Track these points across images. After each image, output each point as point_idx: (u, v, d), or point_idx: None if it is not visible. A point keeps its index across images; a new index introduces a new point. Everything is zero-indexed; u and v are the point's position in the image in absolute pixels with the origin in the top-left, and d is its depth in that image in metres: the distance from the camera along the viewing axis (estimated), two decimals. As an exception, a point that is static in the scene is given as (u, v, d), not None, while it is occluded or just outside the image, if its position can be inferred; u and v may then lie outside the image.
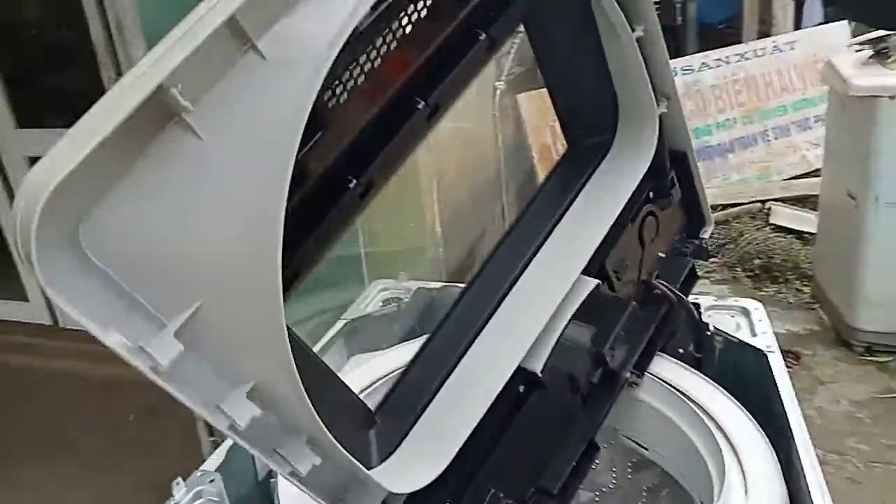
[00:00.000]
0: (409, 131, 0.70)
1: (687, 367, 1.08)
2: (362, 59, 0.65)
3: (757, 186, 3.79)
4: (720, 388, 1.03)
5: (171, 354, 0.52)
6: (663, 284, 1.08)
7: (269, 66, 0.53)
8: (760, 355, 1.06)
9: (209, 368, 0.56)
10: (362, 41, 0.65)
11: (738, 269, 3.08)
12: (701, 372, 1.12)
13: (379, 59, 0.66)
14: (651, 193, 1.05)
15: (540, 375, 0.88)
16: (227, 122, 0.52)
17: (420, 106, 0.70)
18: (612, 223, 0.96)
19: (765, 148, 3.95)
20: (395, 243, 2.50)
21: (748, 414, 0.98)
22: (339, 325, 1.23)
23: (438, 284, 1.34)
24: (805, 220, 3.22)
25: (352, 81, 0.65)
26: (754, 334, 1.11)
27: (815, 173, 3.54)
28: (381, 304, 1.28)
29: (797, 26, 5.13)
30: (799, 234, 3.18)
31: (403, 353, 1.13)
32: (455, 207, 2.79)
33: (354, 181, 0.67)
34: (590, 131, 1.03)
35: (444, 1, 0.71)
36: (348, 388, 0.77)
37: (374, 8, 0.62)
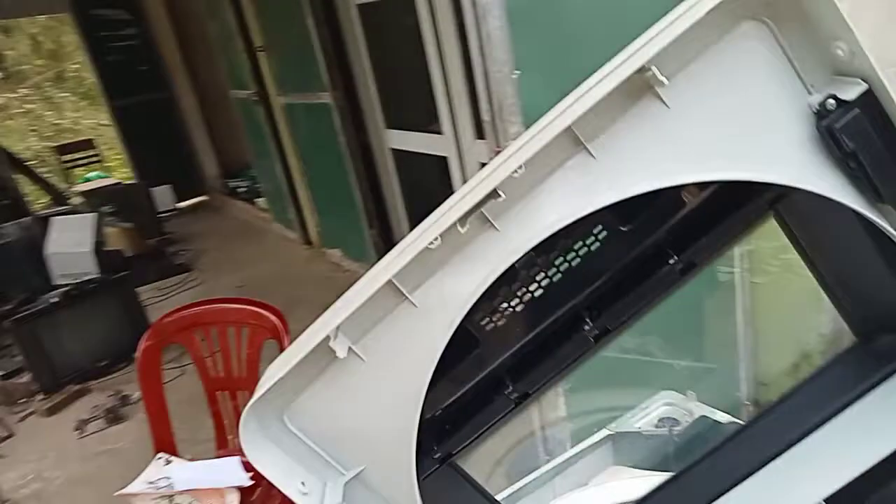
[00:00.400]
0: (570, 349, 0.74)
1: None
2: (520, 291, 0.72)
3: None
4: None
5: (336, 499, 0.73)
6: None
7: (417, 313, 0.68)
8: None
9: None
10: (519, 278, 0.72)
11: None
12: None
13: (540, 290, 0.72)
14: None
15: None
16: (382, 352, 0.69)
17: (587, 327, 0.74)
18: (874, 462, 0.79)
19: None
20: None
21: None
22: (604, 433, 1.27)
23: (725, 417, 1.25)
24: None
25: (510, 309, 0.73)
26: None
27: None
28: (657, 420, 1.27)
29: None
30: None
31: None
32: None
33: (510, 387, 0.75)
34: (889, 329, 0.84)
35: (618, 231, 0.71)
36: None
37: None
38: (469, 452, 0.81)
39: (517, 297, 0.73)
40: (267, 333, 2.17)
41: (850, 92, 0.64)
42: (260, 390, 0.68)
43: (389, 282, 0.66)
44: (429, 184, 4.87)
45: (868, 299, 0.83)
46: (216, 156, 8.37)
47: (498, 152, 1.88)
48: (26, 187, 7.04)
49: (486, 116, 1.85)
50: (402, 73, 4.56)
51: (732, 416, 1.25)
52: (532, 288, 0.73)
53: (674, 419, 1.27)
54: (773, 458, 0.85)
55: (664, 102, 0.64)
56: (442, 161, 4.10)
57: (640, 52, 0.61)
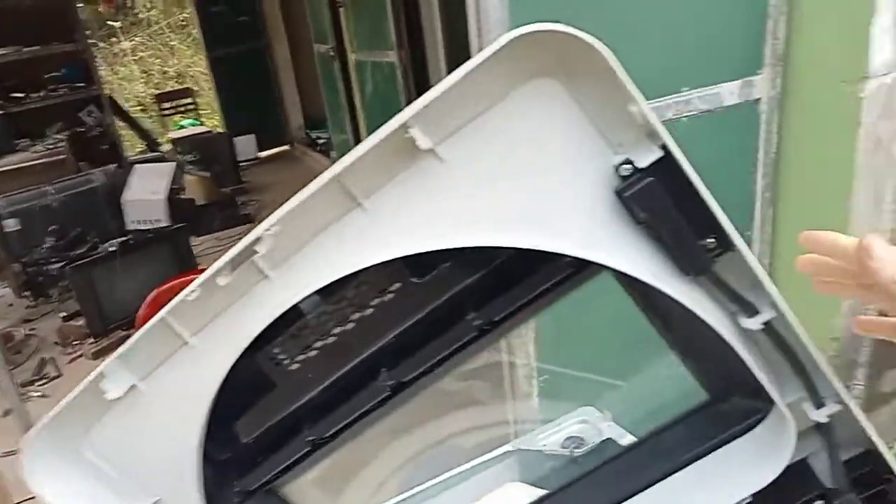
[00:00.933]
0: (366, 397, 0.73)
1: None
2: (311, 338, 0.71)
3: None
4: None
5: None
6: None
7: (195, 354, 0.68)
8: None
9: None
10: (311, 325, 0.71)
11: None
12: None
13: (333, 338, 0.71)
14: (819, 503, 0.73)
15: None
16: (164, 390, 0.70)
17: (381, 379, 0.72)
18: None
19: None
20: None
21: None
22: (507, 447, 1.24)
23: (631, 440, 1.19)
24: None
25: (303, 354, 0.72)
26: None
27: None
28: (564, 439, 1.22)
29: None
30: None
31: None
32: None
33: (306, 431, 0.75)
34: (739, 393, 0.77)
35: (411, 283, 0.68)
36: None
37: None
38: (297, 479, 0.82)
39: (308, 344, 0.72)
40: None
41: (646, 158, 0.58)
42: (46, 418, 0.71)
43: (163, 321, 0.66)
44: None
45: (714, 363, 0.77)
46: (302, 107, 8.58)
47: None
48: (125, 133, 7.50)
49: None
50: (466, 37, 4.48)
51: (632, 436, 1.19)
52: (323, 335, 0.72)
53: (580, 438, 1.23)
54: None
55: (442, 160, 0.60)
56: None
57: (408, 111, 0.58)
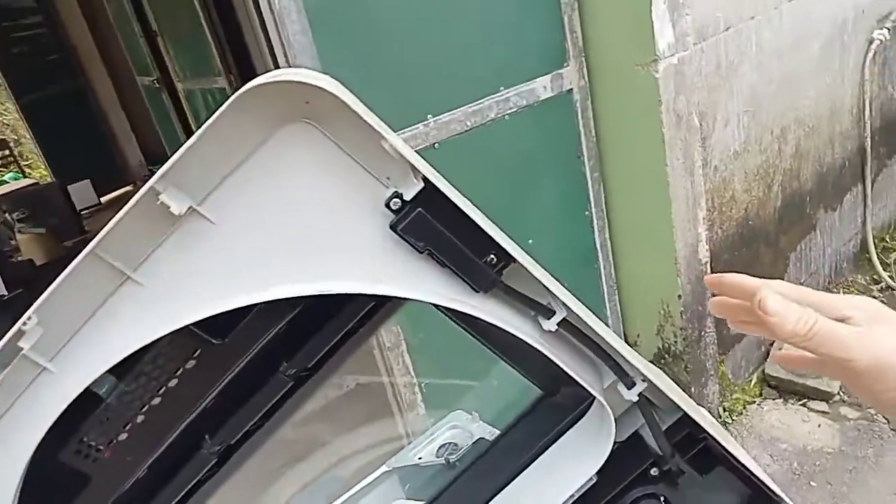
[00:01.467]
0: (191, 471, 0.69)
1: None
2: (117, 420, 0.67)
3: None
4: None
5: None
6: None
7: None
8: None
9: None
10: (112, 409, 0.66)
11: None
12: None
13: (141, 416, 0.67)
14: (654, 470, 0.78)
15: None
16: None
17: (204, 446, 0.69)
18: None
19: None
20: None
21: None
22: (383, 469, 1.24)
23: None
24: None
25: (112, 441, 0.67)
26: None
27: None
28: (438, 448, 1.24)
29: None
30: None
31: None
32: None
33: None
34: (566, 383, 0.81)
35: (212, 346, 0.65)
36: None
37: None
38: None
39: (117, 427, 0.67)
40: None
41: (410, 190, 0.58)
42: None
43: None
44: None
45: (533, 363, 0.80)
46: (139, 143, 8.08)
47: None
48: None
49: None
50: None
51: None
52: (131, 415, 0.67)
53: (454, 444, 1.25)
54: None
55: (208, 220, 0.58)
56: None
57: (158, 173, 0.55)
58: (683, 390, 0.74)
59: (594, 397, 0.78)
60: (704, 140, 2.28)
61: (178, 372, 0.66)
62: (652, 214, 2.25)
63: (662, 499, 0.79)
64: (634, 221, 2.35)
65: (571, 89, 2.16)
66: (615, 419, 0.75)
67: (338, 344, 0.68)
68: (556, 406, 0.82)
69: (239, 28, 4.57)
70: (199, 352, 0.66)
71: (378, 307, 0.69)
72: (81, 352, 0.60)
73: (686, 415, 0.76)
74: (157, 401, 0.67)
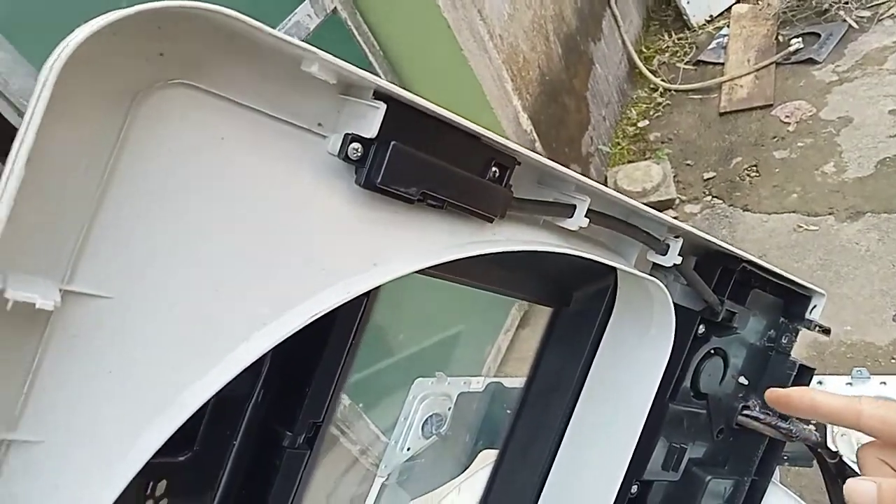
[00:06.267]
0: None
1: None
2: None
3: None
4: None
5: None
6: (754, 417, 0.75)
7: None
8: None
9: None
10: None
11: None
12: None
13: None
14: (701, 329, 0.69)
15: None
16: None
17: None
18: (642, 421, 0.66)
19: None
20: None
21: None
22: (378, 483, 1.07)
23: (480, 383, 1.10)
24: None
25: None
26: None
27: None
28: (421, 427, 1.08)
29: None
30: None
31: (464, 492, 0.97)
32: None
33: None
34: (577, 285, 0.68)
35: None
36: None
37: None
38: None
39: None
40: None
41: (370, 122, 0.39)
42: None
43: None
44: None
45: (540, 281, 0.66)
46: None
47: None
48: None
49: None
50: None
51: (484, 376, 1.10)
52: None
53: (437, 415, 1.11)
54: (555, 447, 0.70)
55: (99, 296, 0.35)
56: None
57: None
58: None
59: (609, 283, 0.67)
60: (481, 13, 2.20)
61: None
62: (468, 105, 2.16)
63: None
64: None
65: (335, 8, 1.95)
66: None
67: (341, 377, 0.49)
68: (579, 313, 0.69)
69: None
70: (164, 484, 0.44)
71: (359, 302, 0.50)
72: None
73: (720, 252, 0.66)
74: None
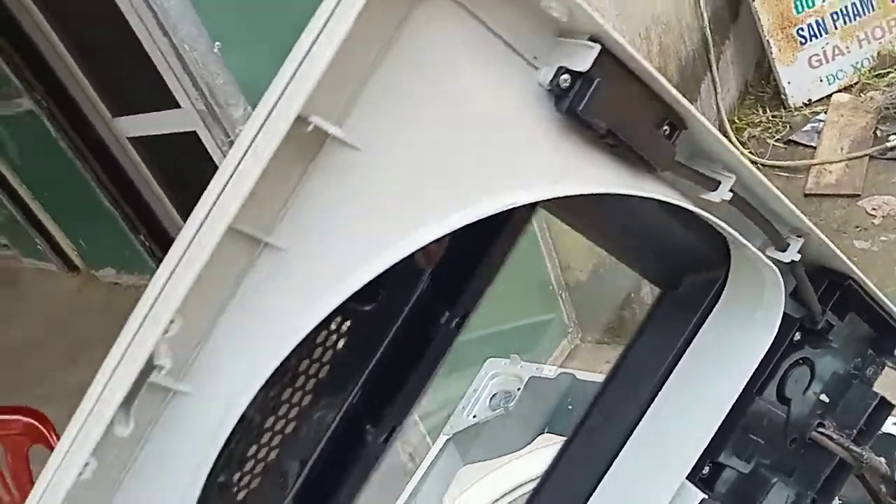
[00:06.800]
0: (362, 470, 0.55)
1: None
2: (266, 437, 0.51)
3: None
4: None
5: None
6: (827, 435, 0.79)
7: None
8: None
9: None
10: (255, 424, 0.50)
11: None
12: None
13: (293, 423, 0.52)
14: (797, 336, 0.74)
15: None
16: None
17: (370, 436, 0.55)
18: (730, 405, 0.71)
19: None
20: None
21: None
22: (443, 440, 1.14)
23: (553, 371, 1.16)
24: None
25: (261, 464, 0.52)
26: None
27: None
28: (490, 399, 1.15)
29: None
30: None
31: (511, 471, 1.02)
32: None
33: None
34: (690, 271, 0.74)
35: (363, 314, 0.51)
36: None
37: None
38: None
39: (264, 447, 0.51)
40: (27, 441, 1.77)
41: (583, 59, 0.47)
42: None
43: None
44: (185, 164, 4.33)
45: (663, 257, 0.73)
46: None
47: (231, 142, 1.58)
48: None
49: (199, 105, 1.52)
50: (109, 52, 3.93)
51: (559, 367, 1.16)
52: (279, 427, 0.52)
53: (506, 392, 1.17)
54: (627, 438, 0.75)
55: (351, 146, 0.43)
56: (191, 136, 3.63)
57: (290, 97, 0.39)
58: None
59: (720, 275, 0.73)
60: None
61: (327, 356, 0.52)
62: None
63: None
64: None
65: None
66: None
67: (492, 275, 0.56)
68: (686, 297, 0.75)
69: (28, 39, 3.97)
70: (348, 325, 0.52)
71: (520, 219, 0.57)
72: (221, 363, 0.44)
73: (833, 262, 0.71)
74: (307, 399, 0.52)
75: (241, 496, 0.52)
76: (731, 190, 0.58)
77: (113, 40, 3.74)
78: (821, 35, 3.72)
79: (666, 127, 0.53)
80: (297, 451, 0.53)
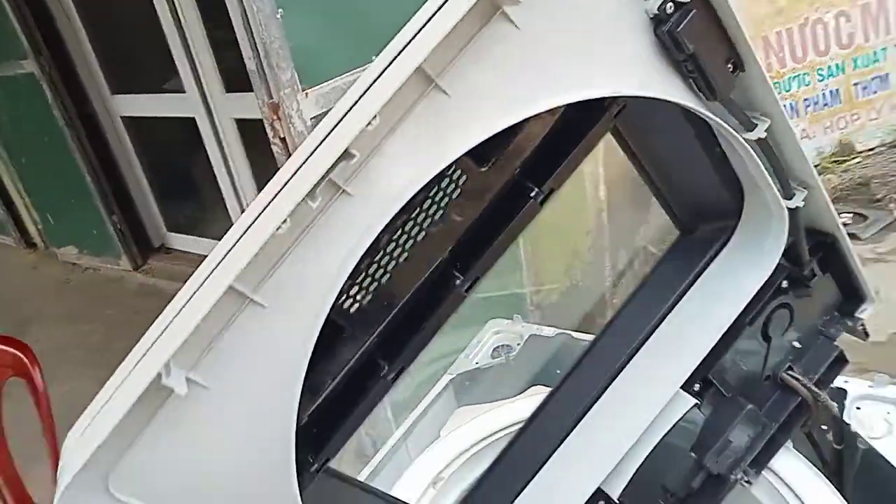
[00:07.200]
0: (445, 308, 0.67)
1: (811, 466, 0.95)
2: (384, 260, 0.63)
3: None
4: (842, 498, 0.90)
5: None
6: (796, 377, 0.94)
7: (269, 316, 0.55)
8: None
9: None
10: (381, 246, 0.62)
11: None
12: (840, 472, 1.00)
13: (405, 253, 0.64)
14: (784, 283, 0.89)
15: (618, 502, 0.85)
16: (230, 372, 0.55)
17: (458, 282, 0.67)
18: (725, 329, 0.86)
19: None
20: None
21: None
22: (446, 379, 1.25)
23: (552, 331, 1.30)
24: None
25: (374, 283, 0.63)
26: (910, 442, 0.93)
27: None
28: (492, 351, 1.27)
29: None
30: None
31: (508, 412, 1.13)
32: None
33: (385, 368, 0.66)
34: (707, 218, 0.90)
35: (478, 173, 0.64)
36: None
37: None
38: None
39: (381, 267, 0.63)
40: (8, 372, 1.75)
41: (685, -6, 0.62)
42: (71, 468, 0.51)
43: (230, 288, 0.52)
44: (175, 152, 4.37)
45: (690, 196, 0.88)
46: None
47: (272, 104, 1.69)
48: None
49: (251, 65, 1.64)
50: (122, 25, 4.00)
51: (558, 328, 1.29)
52: (396, 253, 0.63)
53: (507, 345, 1.29)
54: (636, 352, 0.88)
55: (514, 24, 0.57)
56: (187, 123, 3.70)
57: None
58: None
59: (732, 229, 0.88)
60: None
61: (444, 201, 0.64)
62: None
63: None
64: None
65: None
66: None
67: (576, 164, 0.70)
68: (700, 240, 0.90)
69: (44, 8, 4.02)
70: (464, 180, 0.64)
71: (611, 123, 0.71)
72: (381, 175, 0.56)
73: (827, 218, 0.86)
74: (421, 235, 0.64)
75: (352, 308, 0.64)
76: (764, 131, 0.73)
77: (129, 16, 3.83)
78: (792, 117, 4.06)
79: (730, 66, 0.68)
80: (403, 277, 0.65)
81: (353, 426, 0.67)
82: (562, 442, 0.88)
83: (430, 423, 1.23)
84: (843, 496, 0.91)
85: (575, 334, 1.25)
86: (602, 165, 2.62)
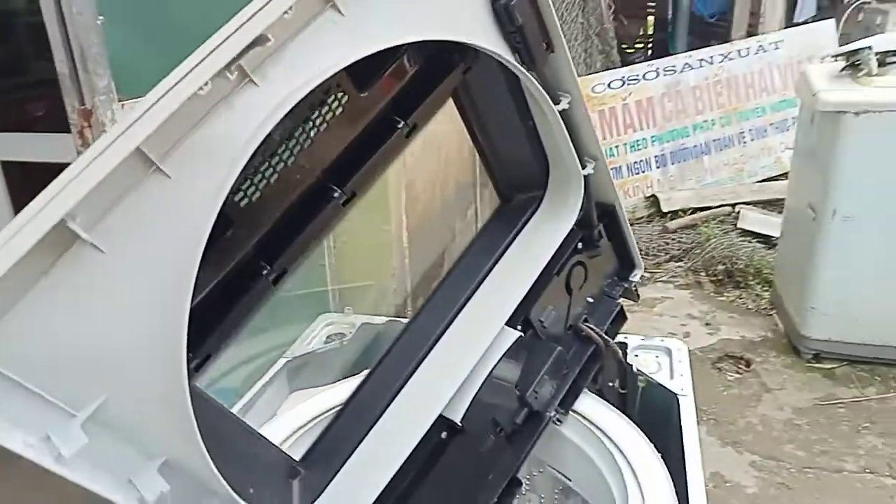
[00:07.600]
0: (324, 218, 0.75)
1: (607, 404, 1.15)
2: (274, 160, 0.71)
3: (729, 189, 3.86)
4: (634, 425, 1.10)
5: (75, 446, 0.55)
6: (590, 328, 1.14)
7: (173, 184, 0.58)
8: (672, 397, 1.13)
9: (118, 452, 0.60)
10: (273, 145, 0.70)
11: (702, 273, 3.19)
12: (626, 407, 1.21)
13: (292, 158, 0.72)
14: (579, 244, 1.11)
15: (460, 425, 0.95)
16: (130, 236, 0.57)
17: (336, 194, 0.76)
18: (537, 276, 1.03)
19: (740, 150, 4.02)
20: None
21: (655, 451, 1.05)
22: (281, 362, 1.29)
23: (383, 319, 1.40)
24: (772, 225, 3.27)
25: (264, 181, 0.70)
26: (672, 376, 1.18)
27: (786, 176, 3.63)
28: (325, 339, 1.34)
29: (789, 20, 5.19)
30: (765, 239, 3.25)
31: (343, 390, 1.19)
32: (424, 214, 2.86)
33: (268, 269, 0.72)
34: (521, 189, 1.09)
35: (358, 97, 0.76)
36: (269, 443, 0.84)
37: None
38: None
39: (272, 167, 0.70)
40: None
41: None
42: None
43: (137, 150, 0.55)
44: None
45: (510, 168, 1.06)
46: None
47: (84, 111, 1.63)
48: None
49: (62, 68, 1.57)
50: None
51: (387, 315, 1.38)
52: (286, 156, 0.71)
53: (340, 333, 1.35)
54: (468, 300, 1.01)
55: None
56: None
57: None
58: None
59: (539, 200, 1.08)
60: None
61: (329, 117, 0.73)
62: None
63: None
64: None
65: None
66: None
67: (435, 108, 0.84)
68: (516, 207, 1.08)
69: None
70: (346, 100, 0.74)
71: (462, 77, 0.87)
72: (281, 74, 0.64)
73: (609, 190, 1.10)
74: (308, 144, 0.72)
75: (242, 202, 0.69)
76: (567, 104, 0.94)
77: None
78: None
79: (545, 44, 0.88)
80: (289, 182, 0.72)
81: (233, 325, 0.70)
82: (406, 381, 0.97)
83: (263, 406, 1.23)
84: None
85: (404, 320, 1.36)
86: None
